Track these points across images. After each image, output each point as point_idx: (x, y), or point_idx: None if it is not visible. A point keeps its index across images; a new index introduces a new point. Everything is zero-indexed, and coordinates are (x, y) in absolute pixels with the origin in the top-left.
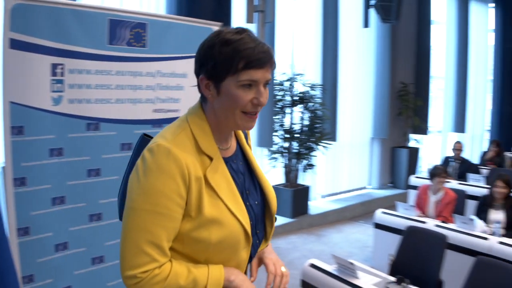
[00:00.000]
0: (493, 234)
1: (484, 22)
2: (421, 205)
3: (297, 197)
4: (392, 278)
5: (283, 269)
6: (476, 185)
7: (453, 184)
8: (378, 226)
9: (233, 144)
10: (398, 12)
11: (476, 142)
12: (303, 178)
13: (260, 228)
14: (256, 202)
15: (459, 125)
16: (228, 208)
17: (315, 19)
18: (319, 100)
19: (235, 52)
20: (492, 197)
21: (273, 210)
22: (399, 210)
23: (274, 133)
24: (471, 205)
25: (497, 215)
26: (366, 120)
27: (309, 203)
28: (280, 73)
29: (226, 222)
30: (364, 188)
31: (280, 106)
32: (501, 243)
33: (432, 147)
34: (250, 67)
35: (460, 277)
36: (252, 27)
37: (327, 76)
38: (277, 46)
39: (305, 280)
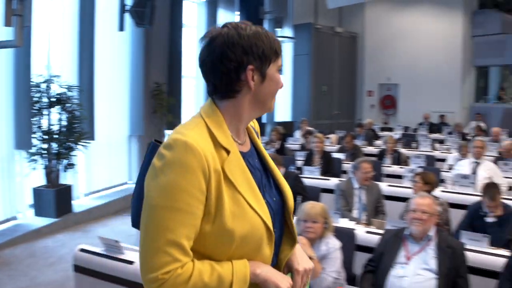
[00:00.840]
0: None
1: None
2: None
3: (59, 196)
4: None
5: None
6: None
7: None
8: None
9: (247, 140)
10: (152, 17)
11: None
12: (65, 178)
13: (278, 226)
14: (274, 199)
15: None
16: (248, 203)
17: (71, 21)
18: (76, 101)
19: (272, 40)
20: None
21: (291, 208)
22: None
23: (33, 135)
24: None
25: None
26: (123, 118)
27: (73, 202)
28: (36, 75)
29: (247, 217)
30: (126, 183)
31: (37, 108)
32: None
33: None
34: (280, 54)
35: None
36: (10, 31)
37: (84, 77)
38: (34, 48)
39: (77, 264)
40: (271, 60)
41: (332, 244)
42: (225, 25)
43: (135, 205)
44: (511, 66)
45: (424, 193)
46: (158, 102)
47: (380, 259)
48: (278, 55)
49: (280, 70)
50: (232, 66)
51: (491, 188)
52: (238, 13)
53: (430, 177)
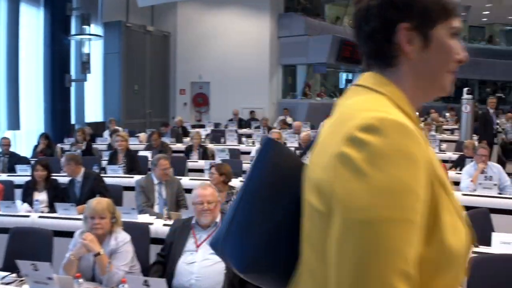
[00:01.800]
0: (36, 211)
1: (36, 23)
2: None
3: None
4: None
5: None
6: (24, 175)
7: (3, 176)
8: None
9: None
10: None
11: (33, 137)
12: None
13: None
14: None
15: (13, 123)
16: (456, 208)
17: None
18: None
19: None
20: (35, 181)
21: None
22: None
23: None
24: (19, 192)
25: (40, 196)
26: None
27: None
28: None
29: (459, 228)
30: None
31: None
32: (40, 217)
33: None
34: (457, 13)
35: None
36: None
37: None
38: None
39: None
40: (438, 20)
41: (122, 238)
42: None
43: (250, 237)
44: (314, 65)
45: (206, 182)
46: None
47: (170, 248)
48: (449, 14)
49: (456, 35)
50: (379, 24)
51: None
52: (43, 8)
53: (225, 168)
